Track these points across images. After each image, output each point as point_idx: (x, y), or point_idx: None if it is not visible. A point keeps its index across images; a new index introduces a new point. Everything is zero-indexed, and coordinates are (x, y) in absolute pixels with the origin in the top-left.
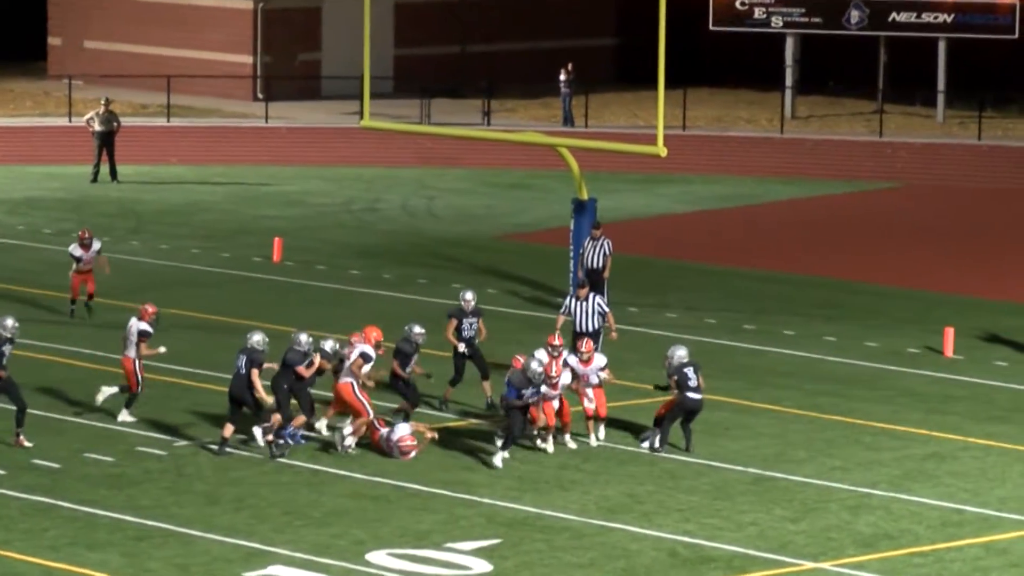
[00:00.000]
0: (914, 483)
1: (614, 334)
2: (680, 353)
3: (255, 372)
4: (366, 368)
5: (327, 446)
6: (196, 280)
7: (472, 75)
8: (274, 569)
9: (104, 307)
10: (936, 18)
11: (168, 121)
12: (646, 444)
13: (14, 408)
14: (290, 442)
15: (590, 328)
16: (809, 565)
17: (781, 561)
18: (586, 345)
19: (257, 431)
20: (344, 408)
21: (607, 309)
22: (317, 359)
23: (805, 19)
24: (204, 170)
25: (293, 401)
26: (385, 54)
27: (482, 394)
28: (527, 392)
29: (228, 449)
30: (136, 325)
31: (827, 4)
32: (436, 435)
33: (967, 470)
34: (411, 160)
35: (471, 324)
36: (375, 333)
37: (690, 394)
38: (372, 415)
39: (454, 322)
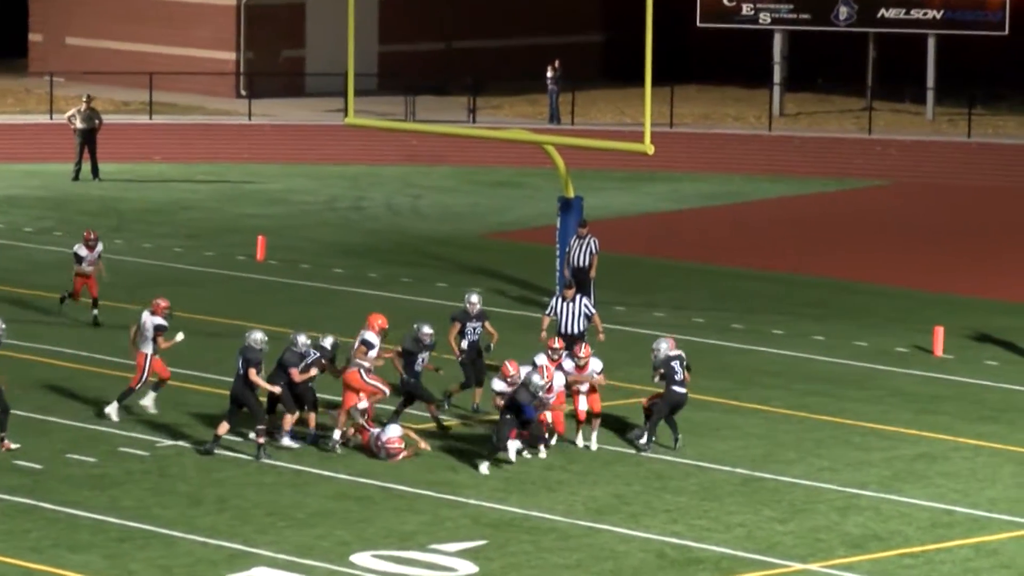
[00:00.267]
0: (904, 484)
1: (601, 336)
2: (664, 346)
3: (252, 371)
4: (371, 354)
5: (325, 437)
6: (179, 279)
7: (457, 72)
8: (257, 571)
9: (85, 306)
10: (925, 14)
11: (150, 118)
12: (643, 441)
13: None
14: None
15: (575, 330)
16: (798, 566)
17: (769, 562)
18: (584, 351)
19: (285, 439)
20: (355, 400)
21: (594, 311)
22: (313, 371)
23: (793, 15)
24: (187, 168)
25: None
26: (370, 51)
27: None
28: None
29: (217, 449)
30: (150, 320)
31: (815, 0)
32: (428, 448)
33: (957, 470)
34: (396, 158)
35: (474, 328)
36: (380, 320)
37: (676, 387)
38: (387, 393)
39: (457, 325)
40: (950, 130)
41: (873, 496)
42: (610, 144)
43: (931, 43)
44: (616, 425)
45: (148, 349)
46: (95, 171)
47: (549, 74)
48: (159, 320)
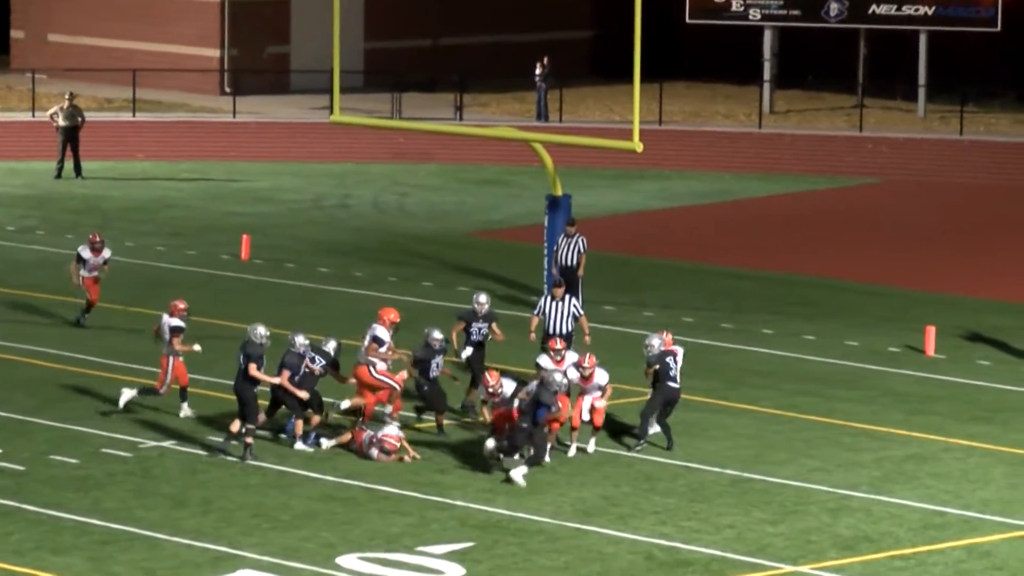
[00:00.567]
0: (895, 485)
1: (587, 338)
2: (657, 342)
3: (252, 366)
4: (383, 350)
5: (328, 429)
6: (162, 278)
7: (444, 69)
8: (242, 573)
9: (69, 305)
10: (917, 10)
11: (134, 116)
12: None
13: None
14: (309, 447)
15: (563, 330)
16: (788, 568)
17: (760, 564)
18: (589, 360)
19: (299, 443)
20: (371, 398)
21: (582, 312)
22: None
23: (783, 12)
24: (171, 166)
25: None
26: (355, 47)
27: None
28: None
29: (233, 442)
30: (168, 322)
31: None
32: (418, 458)
33: (949, 471)
34: (382, 156)
35: (480, 329)
36: (391, 315)
37: (670, 383)
38: (399, 390)
39: (462, 324)
40: (942, 128)
41: (864, 497)
42: (598, 142)
43: (923, 40)
44: (606, 425)
45: (167, 351)
46: (78, 169)
47: (538, 71)
48: (175, 321)
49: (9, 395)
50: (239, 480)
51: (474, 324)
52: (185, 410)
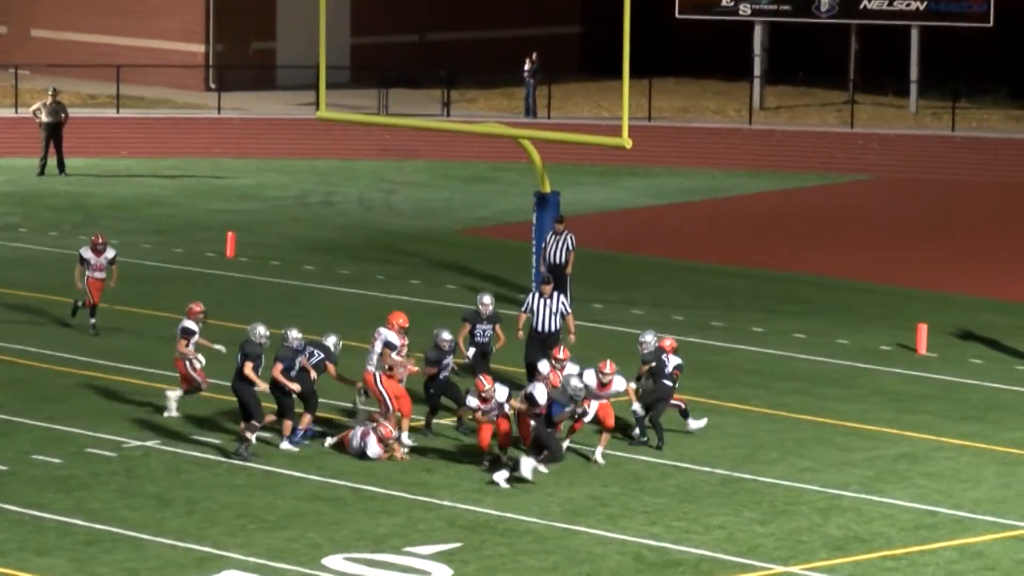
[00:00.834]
0: (886, 484)
1: (572, 336)
2: (651, 338)
3: (248, 365)
4: (396, 356)
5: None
6: (147, 276)
7: (431, 65)
8: (227, 574)
9: (51, 304)
10: (908, 5)
11: (118, 112)
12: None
13: None
14: (305, 442)
15: (551, 328)
16: (779, 569)
17: (750, 565)
18: (610, 367)
19: (285, 444)
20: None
21: (569, 310)
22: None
23: (774, 7)
24: (155, 163)
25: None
26: (342, 43)
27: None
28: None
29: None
30: (182, 323)
31: None
32: (406, 459)
33: (940, 471)
34: (368, 152)
35: (484, 331)
36: (400, 319)
37: (665, 381)
38: (391, 409)
39: (467, 327)
40: (934, 124)
41: (855, 497)
42: (587, 138)
43: (914, 35)
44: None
45: (176, 353)
46: (61, 166)
47: (526, 67)
48: (187, 323)
49: None
50: (224, 480)
51: (479, 326)
52: (172, 408)
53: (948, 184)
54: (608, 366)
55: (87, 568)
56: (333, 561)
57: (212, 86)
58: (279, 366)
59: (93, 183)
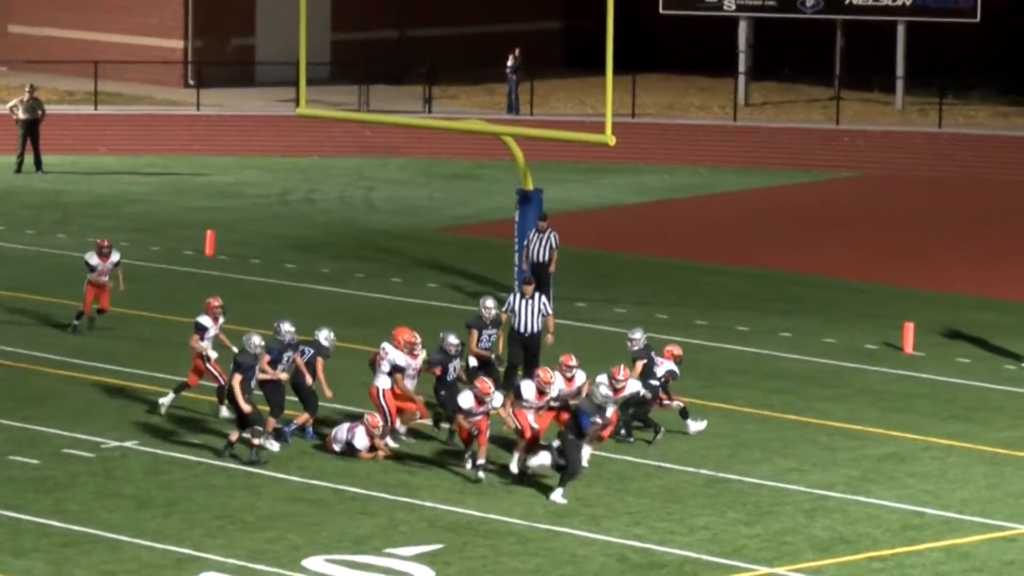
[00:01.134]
0: (873, 485)
1: (551, 337)
2: (638, 336)
3: (236, 378)
4: (406, 383)
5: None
6: (125, 274)
7: (413, 60)
8: None
9: (30, 303)
10: (895, 1)
11: (96, 109)
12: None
13: None
14: (306, 437)
15: (533, 329)
16: (764, 570)
17: (734, 566)
18: (623, 372)
19: (269, 442)
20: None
21: (550, 311)
22: (283, 375)
23: (759, 2)
24: (133, 160)
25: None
26: (322, 39)
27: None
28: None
29: (268, 439)
30: (196, 319)
31: None
32: (388, 454)
33: (927, 471)
34: (349, 149)
35: (490, 336)
36: (405, 335)
37: (652, 381)
38: (387, 424)
39: (475, 333)
40: (920, 120)
41: (841, 498)
42: (570, 135)
43: (901, 31)
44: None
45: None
46: (38, 163)
47: (508, 63)
48: (201, 319)
49: None
50: (203, 481)
51: (484, 331)
52: (166, 397)
53: (935, 181)
54: (622, 372)
55: (64, 570)
56: (313, 563)
57: (191, 82)
58: (266, 357)
59: (70, 180)
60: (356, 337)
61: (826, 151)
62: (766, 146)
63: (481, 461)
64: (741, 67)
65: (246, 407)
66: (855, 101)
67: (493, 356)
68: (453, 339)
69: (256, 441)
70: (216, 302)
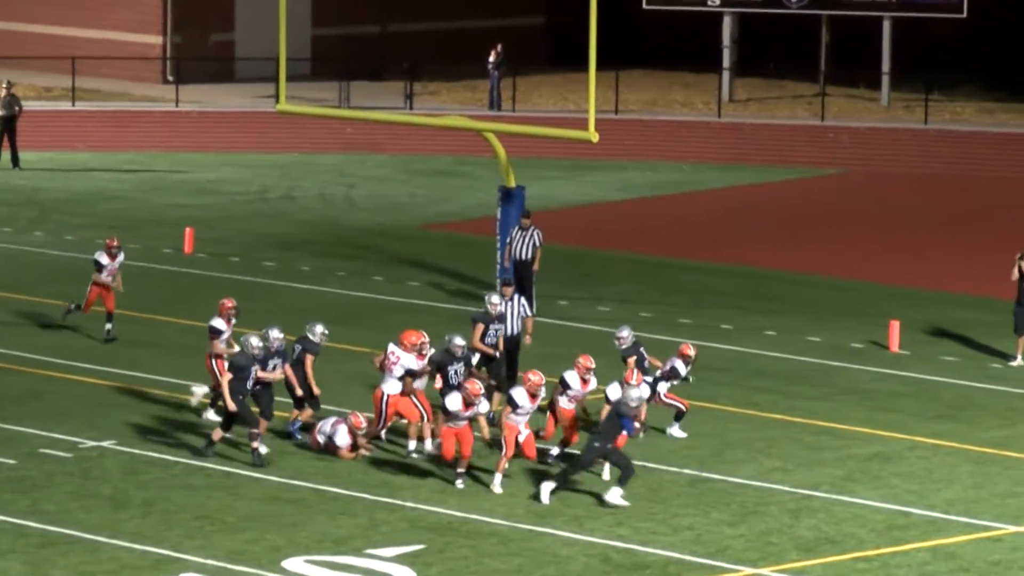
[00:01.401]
0: (858, 485)
1: (528, 338)
2: (627, 333)
3: (227, 377)
4: (417, 384)
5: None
6: None
7: (394, 56)
8: None
9: (7, 301)
10: None
11: (73, 105)
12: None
13: None
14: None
15: (513, 331)
16: (748, 571)
17: (719, 567)
18: (636, 377)
19: (260, 446)
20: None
21: (529, 313)
22: (278, 374)
23: None
24: (111, 157)
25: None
26: (302, 34)
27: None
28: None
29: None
30: (210, 321)
31: None
32: (371, 450)
33: (913, 471)
34: (330, 146)
35: (496, 331)
36: (412, 338)
37: (647, 378)
38: (382, 428)
39: (480, 327)
40: (906, 116)
41: (826, 498)
42: (553, 131)
43: (886, 26)
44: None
45: (208, 350)
46: (15, 160)
47: (490, 59)
48: (215, 322)
49: None
50: (181, 481)
51: (491, 326)
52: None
53: (920, 178)
54: (635, 377)
55: (41, 571)
56: (293, 563)
57: (170, 78)
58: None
59: (48, 177)
60: (338, 336)
61: (811, 148)
62: (750, 143)
63: (461, 469)
64: (725, 63)
65: (232, 406)
66: (840, 97)
67: (497, 353)
68: (459, 341)
69: (254, 444)
70: (230, 303)
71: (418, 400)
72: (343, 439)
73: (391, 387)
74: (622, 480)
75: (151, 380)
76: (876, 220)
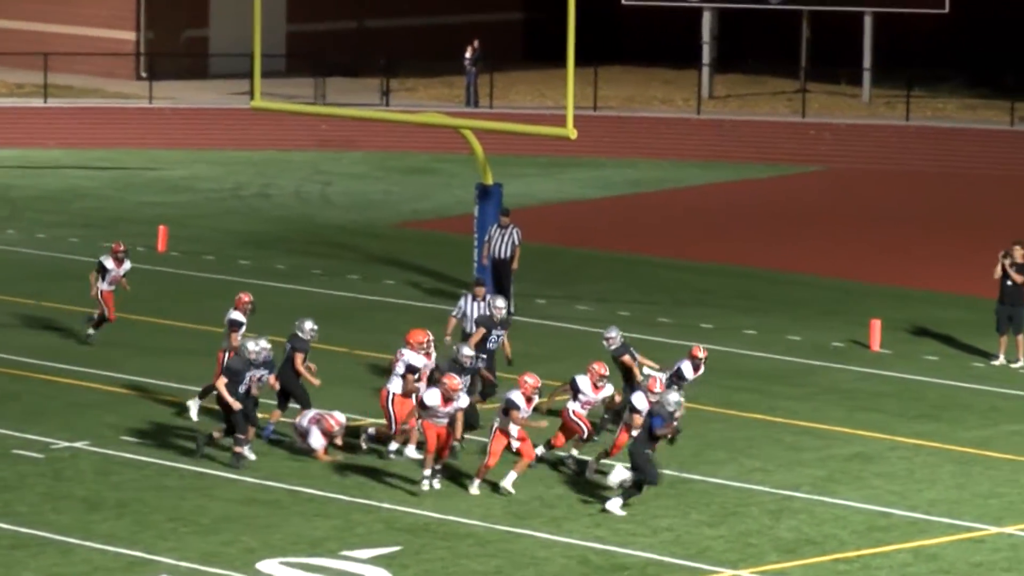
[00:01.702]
0: (839, 485)
1: (506, 344)
2: (614, 334)
3: (222, 380)
4: (421, 386)
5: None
6: (75, 271)
7: (370, 52)
8: None
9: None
10: None
11: (45, 102)
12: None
13: None
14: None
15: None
16: (728, 572)
17: (698, 568)
18: (659, 385)
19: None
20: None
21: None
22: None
23: None
24: (84, 154)
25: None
26: (277, 30)
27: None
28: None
29: (247, 448)
30: (228, 315)
31: None
32: (340, 459)
33: (894, 471)
34: (305, 143)
35: (498, 336)
36: (419, 336)
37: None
38: (394, 429)
39: (482, 331)
40: (887, 113)
41: (807, 498)
42: (531, 128)
43: (868, 22)
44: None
45: (224, 344)
46: None
47: (468, 55)
48: (235, 315)
49: None
50: (155, 482)
51: (493, 331)
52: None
53: (902, 175)
54: (658, 384)
55: (12, 573)
56: (268, 566)
57: (143, 75)
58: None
59: (19, 175)
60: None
61: (792, 145)
62: (730, 140)
63: (438, 467)
64: (705, 59)
65: (235, 404)
66: (821, 94)
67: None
68: (467, 351)
69: (236, 448)
70: (247, 297)
71: (392, 409)
72: (317, 441)
73: (394, 385)
74: (637, 484)
75: (126, 380)
76: (857, 217)
